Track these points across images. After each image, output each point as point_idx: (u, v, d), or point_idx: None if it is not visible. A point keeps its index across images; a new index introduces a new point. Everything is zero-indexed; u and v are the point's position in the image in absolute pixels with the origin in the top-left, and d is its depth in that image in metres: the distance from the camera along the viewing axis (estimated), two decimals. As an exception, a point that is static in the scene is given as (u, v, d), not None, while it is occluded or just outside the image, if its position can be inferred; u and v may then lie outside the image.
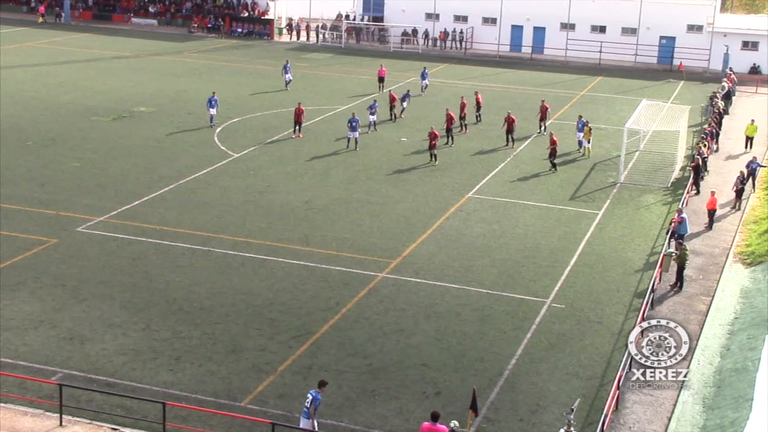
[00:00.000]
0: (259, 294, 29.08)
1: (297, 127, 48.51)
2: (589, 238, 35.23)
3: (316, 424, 20.53)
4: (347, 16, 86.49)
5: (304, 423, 20.57)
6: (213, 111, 49.48)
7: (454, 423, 19.99)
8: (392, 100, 53.11)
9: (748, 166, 41.52)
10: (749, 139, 49.59)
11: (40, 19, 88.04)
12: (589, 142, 46.49)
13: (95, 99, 55.66)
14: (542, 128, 50.42)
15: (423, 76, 61.22)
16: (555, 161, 43.90)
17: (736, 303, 29.76)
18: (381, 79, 61.26)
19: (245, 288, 29.46)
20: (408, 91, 56.25)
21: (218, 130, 48.84)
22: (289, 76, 60.79)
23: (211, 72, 66.42)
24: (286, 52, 77.86)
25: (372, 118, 49.38)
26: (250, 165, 42.93)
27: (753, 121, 50.44)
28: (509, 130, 47.74)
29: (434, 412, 19.99)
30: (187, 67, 68.38)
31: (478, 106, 53.16)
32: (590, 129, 46.67)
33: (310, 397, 20.37)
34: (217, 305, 28.11)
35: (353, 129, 45.64)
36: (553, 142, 43.93)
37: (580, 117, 48.86)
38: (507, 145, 47.73)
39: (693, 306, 29.77)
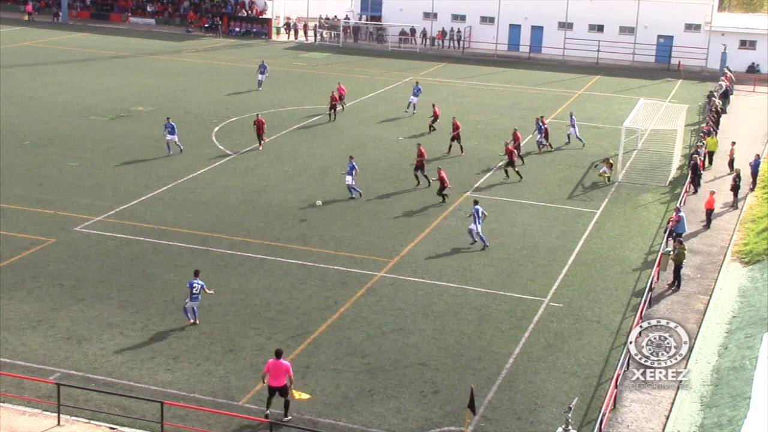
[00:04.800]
0: (257, 293, 29.08)
1: (260, 140, 45.65)
2: (587, 237, 35.25)
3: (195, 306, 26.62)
4: (328, 18, 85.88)
5: (192, 304, 26.61)
6: (173, 137, 43.81)
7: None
8: (333, 99, 51.91)
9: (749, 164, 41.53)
10: (710, 154, 45.42)
11: (26, 17, 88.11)
12: (611, 169, 42.78)
13: (93, 98, 55.64)
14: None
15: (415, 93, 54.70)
16: (511, 167, 41.87)
17: (734, 302, 29.77)
18: (340, 98, 54.05)
19: (243, 287, 29.46)
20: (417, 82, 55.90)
21: (216, 129, 48.78)
22: (263, 76, 59.64)
23: (209, 71, 66.39)
24: (285, 51, 77.87)
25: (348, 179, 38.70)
26: (248, 164, 42.92)
27: (714, 135, 47.48)
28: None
29: (278, 349, 22.39)
30: (185, 66, 68.36)
31: (435, 118, 50.64)
32: (612, 164, 42.81)
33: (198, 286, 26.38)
34: (215, 305, 28.10)
35: None
36: (508, 152, 41.84)
37: (572, 114, 48.86)
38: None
39: (691, 305, 29.80)
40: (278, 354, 22.16)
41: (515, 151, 42.75)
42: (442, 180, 37.79)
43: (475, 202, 33.84)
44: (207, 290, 26.82)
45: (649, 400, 23.69)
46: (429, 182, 39.83)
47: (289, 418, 21.98)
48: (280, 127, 49.73)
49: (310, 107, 54.52)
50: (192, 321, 26.80)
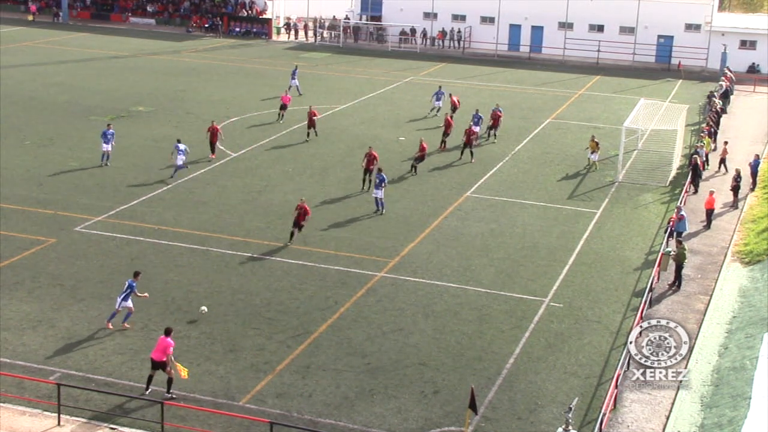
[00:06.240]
0: (257, 293, 29.08)
1: (212, 148, 43.59)
2: (587, 237, 35.24)
3: (130, 304, 26.19)
4: (323, 20, 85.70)
5: (125, 304, 26.03)
6: (108, 147, 41.64)
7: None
8: (310, 117, 47.92)
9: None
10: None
11: (30, 17, 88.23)
12: (594, 154, 43.84)
13: (93, 99, 55.63)
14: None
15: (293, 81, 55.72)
16: (417, 165, 42.28)
17: (734, 302, 29.77)
18: (283, 107, 51.30)
19: (243, 287, 29.46)
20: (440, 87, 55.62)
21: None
22: (295, 81, 58.32)
23: (209, 71, 66.38)
24: (285, 51, 77.87)
25: (178, 160, 39.89)
26: (249, 164, 42.89)
27: (707, 135, 47.29)
28: (467, 143, 44.90)
29: (167, 327, 23.35)
30: (185, 66, 68.35)
31: (454, 109, 51.95)
32: (597, 143, 44.25)
33: (128, 285, 26.04)
34: (215, 305, 28.10)
35: None
36: (422, 149, 42.23)
37: (477, 111, 48.90)
38: (461, 158, 44.92)
39: (691, 305, 29.79)
40: (166, 332, 23.12)
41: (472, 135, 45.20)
42: (303, 211, 33.55)
43: (380, 170, 36.89)
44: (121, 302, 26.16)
45: (650, 400, 23.69)
46: (363, 188, 39.52)
47: (171, 395, 22.66)
48: (280, 127, 49.72)
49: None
50: (124, 325, 26.34)
